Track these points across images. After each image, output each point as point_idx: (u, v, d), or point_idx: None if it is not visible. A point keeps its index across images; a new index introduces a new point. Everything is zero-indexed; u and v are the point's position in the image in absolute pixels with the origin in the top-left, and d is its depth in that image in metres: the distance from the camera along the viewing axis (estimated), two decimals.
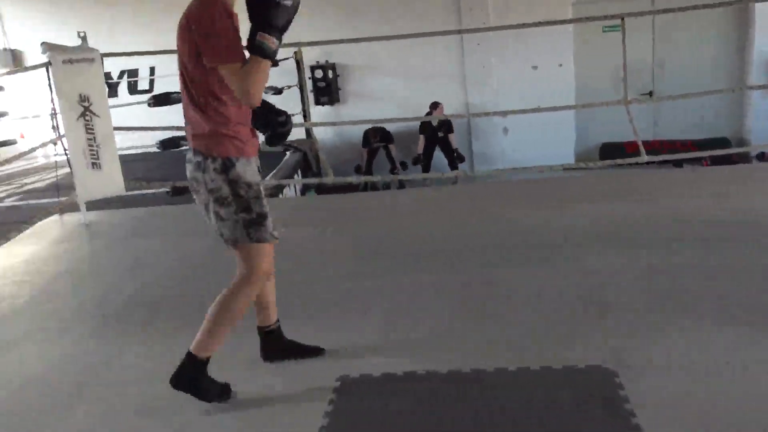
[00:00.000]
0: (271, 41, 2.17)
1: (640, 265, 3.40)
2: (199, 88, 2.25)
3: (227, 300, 2.39)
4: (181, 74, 2.31)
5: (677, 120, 9.95)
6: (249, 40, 2.18)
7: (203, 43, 2.17)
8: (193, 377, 2.42)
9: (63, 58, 4.07)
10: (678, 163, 8.51)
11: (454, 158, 9.60)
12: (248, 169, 2.31)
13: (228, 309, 2.39)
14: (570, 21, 9.17)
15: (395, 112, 9.79)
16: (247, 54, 2.20)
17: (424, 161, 9.57)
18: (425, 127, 9.51)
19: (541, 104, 9.38)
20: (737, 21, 9.72)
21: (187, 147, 5.17)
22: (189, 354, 2.40)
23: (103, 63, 4.40)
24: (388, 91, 9.92)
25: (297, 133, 8.84)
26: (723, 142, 9.95)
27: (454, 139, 9.61)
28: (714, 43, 9.79)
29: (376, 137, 9.59)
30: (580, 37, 9.67)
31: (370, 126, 9.45)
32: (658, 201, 4.48)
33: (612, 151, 9.96)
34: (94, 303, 3.59)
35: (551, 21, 7.06)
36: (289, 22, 2.20)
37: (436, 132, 9.54)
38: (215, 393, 2.46)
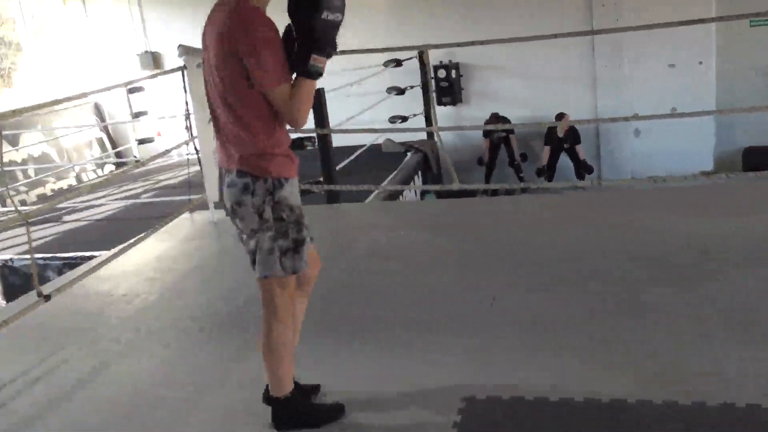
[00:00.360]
0: (322, 62, 2.10)
1: None
2: (248, 107, 2.14)
3: (266, 347, 2.32)
4: (216, 88, 2.18)
5: None
6: (298, 61, 2.10)
7: (252, 64, 2.06)
8: (291, 416, 2.36)
9: (197, 62, 4.18)
10: None
11: (581, 169, 9.20)
12: (294, 192, 2.23)
13: (272, 351, 2.31)
14: (716, 19, 8.48)
15: (519, 113, 9.51)
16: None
17: (549, 173, 9.25)
18: (550, 137, 9.19)
19: (678, 105, 8.82)
20: None
21: (310, 146, 5.14)
22: (272, 399, 2.37)
23: None
24: (512, 91, 9.64)
25: (418, 133, 8.78)
26: None
27: (582, 151, 9.22)
28: None
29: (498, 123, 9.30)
30: (724, 32, 8.95)
31: (490, 114, 9.23)
32: None
33: (757, 156, 9.17)
34: (221, 302, 3.65)
35: (693, 20, 6.55)
36: (336, 36, 2.11)
37: (562, 143, 9.20)
38: (325, 415, 2.39)
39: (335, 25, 2.08)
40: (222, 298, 3.72)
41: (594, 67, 9.49)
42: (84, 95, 4.02)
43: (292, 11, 2.12)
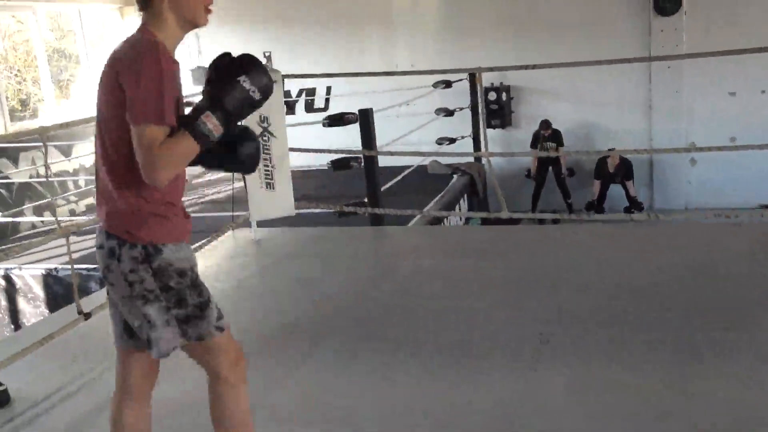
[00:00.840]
0: (214, 125, 1.75)
1: None
2: (122, 152, 1.79)
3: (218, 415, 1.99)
4: (99, 129, 1.85)
5: None
6: (190, 113, 1.78)
7: (130, 94, 1.73)
8: None
9: None
10: None
11: (631, 206, 8.94)
12: (180, 255, 1.87)
13: (232, 424, 2.00)
14: None
15: (569, 137, 9.31)
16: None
17: (599, 207, 9.01)
18: (601, 171, 8.96)
19: (738, 134, 8.50)
20: None
21: (356, 166, 4.95)
22: None
23: (284, 84, 4.43)
24: (564, 116, 9.44)
25: (465, 155, 8.65)
26: None
27: (633, 187, 8.96)
28: None
29: (548, 131, 9.13)
30: None
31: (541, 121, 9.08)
32: None
33: None
34: (258, 325, 3.56)
35: (758, 48, 6.27)
36: (243, 114, 1.81)
37: (613, 178, 8.96)
38: None
39: (249, 101, 1.78)
40: (261, 320, 3.63)
41: (650, 94, 9.24)
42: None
43: (213, 65, 1.84)
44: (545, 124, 9.10)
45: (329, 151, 5.35)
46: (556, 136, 9.15)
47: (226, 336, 1.96)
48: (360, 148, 5.45)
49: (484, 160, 8.81)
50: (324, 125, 5.54)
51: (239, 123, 1.91)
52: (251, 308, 3.87)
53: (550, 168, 9.35)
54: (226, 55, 1.85)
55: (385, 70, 9.11)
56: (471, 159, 8.74)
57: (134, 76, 1.73)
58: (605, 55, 5.40)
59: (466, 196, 8.12)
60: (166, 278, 1.84)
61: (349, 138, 7.36)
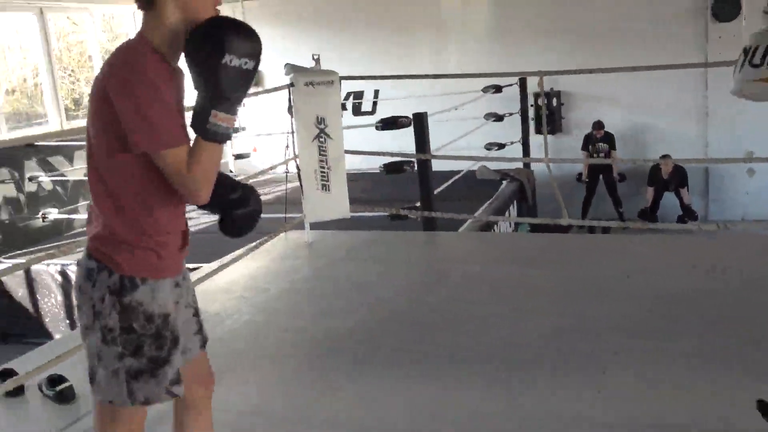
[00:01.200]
0: (226, 120, 1.62)
1: None
2: (108, 175, 1.66)
3: None
4: (87, 146, 1.70)
5: None
6: (195, 118, 1.63)
7: (129, 119, 1.57)
8: None
9: (305, 81, 4.13)
10: None
11: (684, 215, 8.71)
12: (157, 296, 1.70)
13: None
14: None
15: (621, 145, 9.13)
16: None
17: (651, 215, 8.80)
18: (654, 178, 8.75)
19: None
20: None
21: (408, 170, 4.87)
22: None
23: (340, 85, 4.42)
24: (616, 123, 9.25)
25: (513, 162, 8.53)
26: None
27: (687, 195, 8.72)
28: None
29: (600, 131, 8.95)
30: None
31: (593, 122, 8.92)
32: None
33: None
34: (311, 329, 3.54)
35: None
36: (246, 88, 1.64)
37: (667, 185, 8.74)
38: None
39: (244, 74, 1.61)
40: (313, 324, 3.61)
41: (706, 101, 9.00)
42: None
43: (188, 54, 1.64)
44: (598, 124, 8.93)
45: (385, 154, 5.31)
46: (609, 138, 8.98)
47: (142, 416, 1.78)
48: (406, 152, 5.42)
49: (542, 166, 8.69)
50: (377, 128, 5.52)
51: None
52: (304, 311, 3.85)
53: (601, 176, 9.17)
54: (195, 35, 1.62)
55: (437, 73, 9.05)
56: (521, 165, 8.62)
57: (130, 102, 1.56)
58: (660, 61, 5.24)
59: (515, 202, 8.01)
60: (132, 319, 1.66)
61: (394, 142, 7.32)
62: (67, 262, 6.12)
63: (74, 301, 1.81)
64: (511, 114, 8.86)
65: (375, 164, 7.10)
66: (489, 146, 8.47)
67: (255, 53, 1.63)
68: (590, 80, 8.87)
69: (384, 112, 9.66)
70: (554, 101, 9.43)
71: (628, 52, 8.54)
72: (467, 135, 7.90)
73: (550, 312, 3.47)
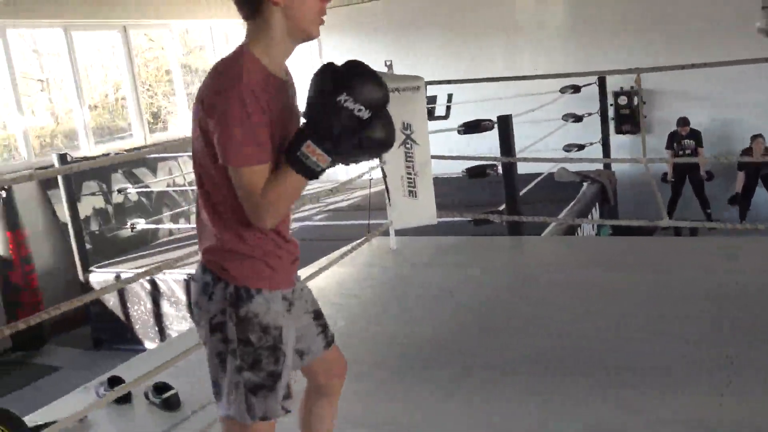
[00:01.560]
0: (319, 156, 1.53)
1: None
2: (215, 188, 1.64)
3: None
4: (193, 159, 1.70)
5: None
6: (290, 143, 1.57)
7: (216, 130, 1.55)
8: None
9: (391, 87, 4.10)
10: None
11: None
12: (271, 308, 1.68)
13: None
14: None
15: (707, 145, 8.78)
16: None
17: (743, 202, 8.40)
18: (745, 162, 8.34)
19: None
20: None
21: (492, 174, 4.76)
22: None
23: (426, 90, 4.38)
24: (700, 121, 8.91)
25: (594, 163, 8.31)
26: None
27: None
28: None
29: (685, 128, 8.61)
30: None
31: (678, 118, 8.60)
32: None
33: None
34: (401, 337, 3.51)
35: None
36: (353, 136, 1.55)
37: (758, 170, 8.31)
38: None
39: (354, 120, 1.53)
40: (404, 333, 3.56)
41: None
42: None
43: (312, 82, 1.62)
44: (683, 121, 8.61)
45: (472, 158, 5.26)
46: (695, 135, 8.64)
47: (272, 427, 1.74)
48: (486, 155, 5.33)
49: (623, 167, 8.45)
50: (459, 132, 5.45)
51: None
52: (392, 319, 3.81)
53: (687, 176, 8.83)
54: (327, 68, 1.61)
55: (509, 74, 8.92)
56: (601, 167, 8.41)
57: (221, 116, 1.53)
58: (740, 55, 4.97)
59: (597, 204, 7.81)
60: (249, 330, 1.65)
61: (469, 147, 7.22)
62: (192, 271, 6.25)
63: (192, 316, 1.77)
64: (590, 114, 8.65)
65: (452, 169, 7.05)
66: (568, 147, 8.29)
67: (375, 105, 1.55)
68: (673, 77, 8.56)
69: (458, 116, 9.59)
70: (635, 100, 9.16)
71: (707, 46, 8.22)
72: (547, 137, 7.75)
73: (641, 316, 3.33)
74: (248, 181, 1.54)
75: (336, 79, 1.55)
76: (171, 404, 2.92)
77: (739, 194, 8.44)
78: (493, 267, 4.53)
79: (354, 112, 1.52)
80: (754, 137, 8.06)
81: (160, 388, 2.95)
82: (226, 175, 1.58)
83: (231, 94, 1.52)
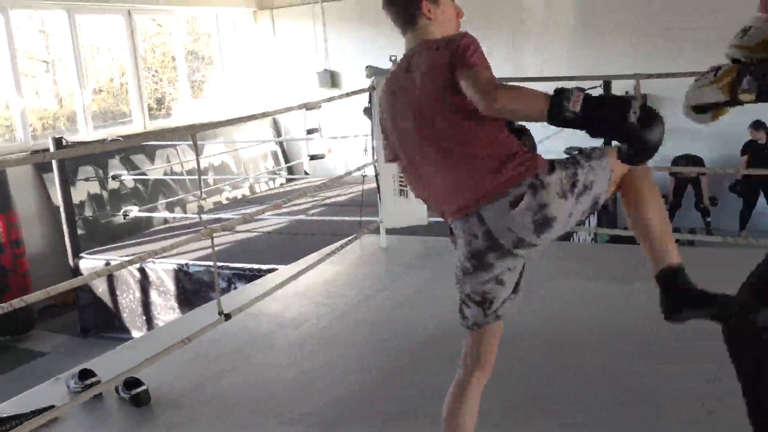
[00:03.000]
0: (576, 103, 1.61)
1: None
2: (464, 130, 1.83)
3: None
4: (424, 132, 1.89)
5: None
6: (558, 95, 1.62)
7: (463, 60, 1.77)
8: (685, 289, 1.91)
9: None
10: None
11: None
12: (555, 179, 1.87)
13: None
14: None
15: (711, 152, 8.65)
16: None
17: (744, 189, 8.20)
18: (749, 145, 8.10)
19: None
20: None
21: None
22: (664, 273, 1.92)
23: None
24: (705, 128, 8.77)
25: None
26: None
27: None
28: None
29: (687, 165, 8.46)
30: None
31: (680, 154, 8.41)
32: None
33: None
34: (391, 341, 3.43)
35: None
36: (611, 116, 1.63)
37: (764, 151, 7.98)
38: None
39: (624, 117, 1.62)
40: (392, 336, 3.49)
41: None
42: (265, 115, 4.00)
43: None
44: (683, 160, 8.24)
45: None
46: (697, 161, 8.39)
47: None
48: None
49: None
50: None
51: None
52: (382, 320, 3.74)
53: (690, 186, 8.70)
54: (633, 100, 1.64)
55: (515, 76, 8.82)
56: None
57: (462, 49, 1.78)
58: None
59: (596, 211, 7.69)
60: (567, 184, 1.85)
61: None
62: (182, 261, 6.20)
63: (500, 235, 1.86)
64: None
65: None
66: (569, 151, 8.17)
67: (646, 142, 1.66)
68: (677, 82, 8.44)
69: None
70: None
71: (715, 53, 8.08)
72: (548, 138, 7.64)
73: (630, 324, 3.24)
74: (486, 75, 1.73)
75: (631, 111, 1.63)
76: (140, 400, 2.85)
77: (739, 181, 8.24)
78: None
79: (633, 124, 1.63)
80: (757, 124, 7.81)
81: (131, 383, 2.89)
82: (471, 113, 1.74)
83: (466, 36, 1.84)
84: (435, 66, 1.85)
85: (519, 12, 9.74)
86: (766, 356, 1.78)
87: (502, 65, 9.36)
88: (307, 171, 9.71)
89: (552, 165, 1.86)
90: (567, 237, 6.29)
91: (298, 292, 4.13)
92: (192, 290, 6.12)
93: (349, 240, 4.67)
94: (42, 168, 7.20)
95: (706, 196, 8.58)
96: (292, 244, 6.41)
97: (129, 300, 6.49)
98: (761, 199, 8.38)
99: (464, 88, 1.75)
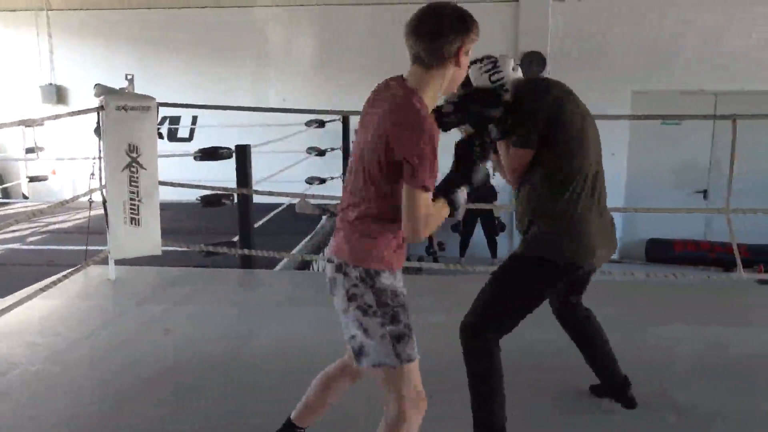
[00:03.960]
0: (464, 202, 2.06)
1: None
2: (373, 188, 1.98)
3: None
4: (358, 158, 2.03)
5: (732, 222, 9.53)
6: (445, 187, 2.03)
7: (408, 156, 1.87)
8: None
9: (117, 104, 3.77)
10: (729, 268, 8.04)
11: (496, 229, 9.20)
12: (393, 282, 2.03)
13: None
14: (631, 117, 8.84)
15: None
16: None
17: (463, 220, 9.10)
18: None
19: None
20: None
21: (228, 204, 4.75)
22: None
23: (158, 112, 4.09)
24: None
25: (336, 197, 8.50)
26: None
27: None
28: None
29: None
30: (637, 126, 9.35)
31: None
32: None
33: (659, 247, 9.53)
34: (113, 382, 3.16)
35: (608, 115, 6.69)
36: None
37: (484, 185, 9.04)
38: None
39: (484, 174, 2.11)
40: (113, 378, 3.20)
41: None
42: None
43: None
44: None
45: (203, 188, 5.01)
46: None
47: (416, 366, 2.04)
48: (226, 182, 5.16)
49: None
50: (195, 159, 5.20)
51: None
52: (104, 360, 3.42)
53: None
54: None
55: (257, 105, 8.85)
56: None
57: (415, 137, 1.86)
58: None
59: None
60: (383, 296, 1.99)
61: (211, 172, 6.98)
62: None
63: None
64: (333, 149, 8.87)
65: (191, 194, 6.73)
66: (310, 180, 8.39)
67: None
68: None
69: (201, 139, 9.25)
70: None
71: None
72: (289, 168, 7.76)
73: None
74: (424, 204, 1.91)
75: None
76: None
77: (460, 222, 9.12)
78: (221, 302, 4.33)
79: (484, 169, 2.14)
80: None
81: None
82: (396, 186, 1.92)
83: (427, 120, 1.90)
84: (384, 125, 1.93)
85: (262, 43, 9.82)
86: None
87: (244, 96, 9.40)
88: (26, 194, 8.72)
89: (385, 286, 2.00)
90: (307, 265, 6.40)
91: (12, 330, 3.65)
92: None
93: (72, 271, 4.26)
94: None
95: (435, 243, 9.32)
96: (6, 276, 5.68)
97: None
98: (478, 228, 9.34)
99: (403, 194, 1.91)
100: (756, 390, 3.04)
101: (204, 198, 5.14)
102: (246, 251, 4.93)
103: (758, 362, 3.33)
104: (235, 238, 5.26)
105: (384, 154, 1.91)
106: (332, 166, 8.86)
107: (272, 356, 3.42)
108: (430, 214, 1.93)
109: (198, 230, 6.68)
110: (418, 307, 2.24)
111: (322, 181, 8.46)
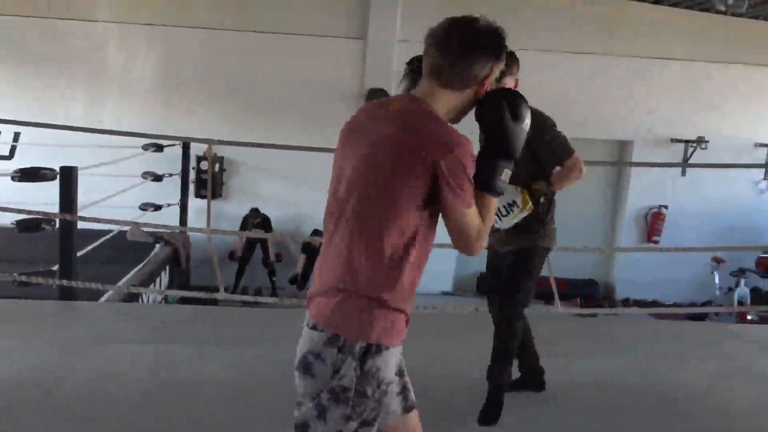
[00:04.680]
0: (508, 176, 1.82)
1: None
2: (382, 231, 1.69)
3: None
4: (341, 200, 1.75)
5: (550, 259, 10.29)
6: (487, 173, 1.78)
7: (455, 186, 1.67)
8: None
9: None
10: (549, 300, 8.64)
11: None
12: (391, 363, 1.74)
13: None
14: None
15: (279, 213, 9.41)
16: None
17: (302, 282, 9.19)
18: (308, 245, 9.18)
19: None
20: (613, 178, 10.43)
21: (49, 230, 4.38)
22: None
23: None
24: (274, 191, 9.55)
25: (171, 225, 8.16)
26: (591, 284, 10.52)
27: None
28: (590, 196, 10.33)
29: (257, 219, 9.09)
30: None
31: (250, 209, 9.08)
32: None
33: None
34: None
35: None
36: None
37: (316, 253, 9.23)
38: None
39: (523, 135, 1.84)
40: None
41: None
42: None
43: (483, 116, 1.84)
44: (254, 212, 9.13)
45: (20, 211, 4.62)
46: (266, 219, 9.17)
47: None
48: (50, 206, 4.82)
49: (201, 236, 8.44)
50: (13, 179, 4.80)
51: None
52: None
53: (259, 245, 9.33)
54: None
55: (91, 125, 8.34)
56: (176, 230, 8.31)
57: (463, 170, 1.68)
58: (318, 141, 5.51)
59: (168, 267, 7.65)
60: (367, 383, 1.70)
61: (42, 197, 6.50)
62: None
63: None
64: (171, 175, 8.56)
65: (7, 218, 6.18)
66: (144, 206, 8.02)
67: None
68: (252, 150, 9.03)
69: (25, 157, 8.57)
70: (216, 166, 9.41)
71: (294, 126, 8.91)
72: (121, 193, 7.36)
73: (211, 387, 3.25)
74: (472, 217, 1.73)
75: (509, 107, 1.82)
76: None
77: (298, 275, 9.22)
78: (35, 338, 3.98)
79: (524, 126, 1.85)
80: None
81: None
82: (407, 221, 1.69)
83: (468, 146, 1.70)
84: (403, 144, 1.69)
85: (101, 59, 9.33)
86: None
87: (77, 110, 8.85)
88: None
89: (377, 368, 1.70)
90: (135, 297, 6.08)
91: None
92: None
93: None
94: None
95: (272, 252, 9.29)
96: None
97: None
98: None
99: (448, 218, 1.72)
100: (568, 415, 3.26)
101: (21, 222, 4.74)
102: (65, 282, 4.59)
103: (569, 390, 3.58)
104: (55, 267, 4.89)
105: (404, 179, 1.66)
106: (170, 192, 8.54)
107: (87, 398, 3.19)
108: (481, 223, 1.75)
109: (11, 258, 6.14)
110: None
111: (158, 207, 8.13)
